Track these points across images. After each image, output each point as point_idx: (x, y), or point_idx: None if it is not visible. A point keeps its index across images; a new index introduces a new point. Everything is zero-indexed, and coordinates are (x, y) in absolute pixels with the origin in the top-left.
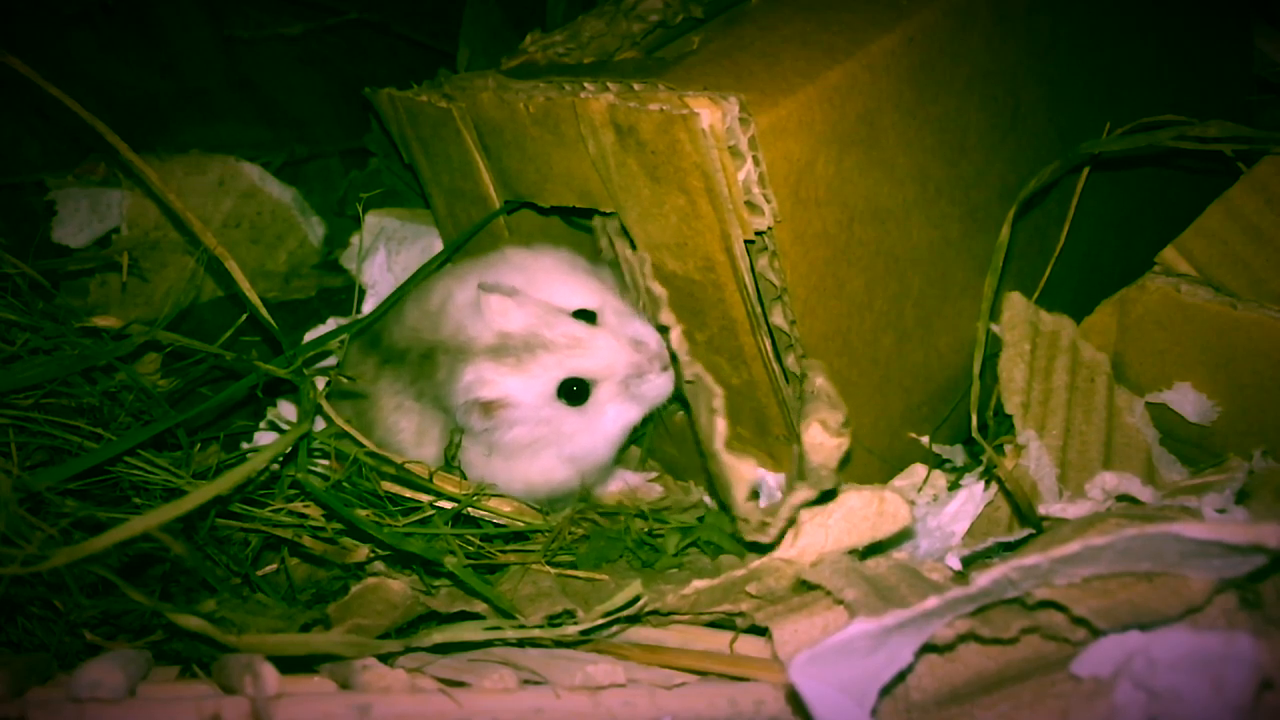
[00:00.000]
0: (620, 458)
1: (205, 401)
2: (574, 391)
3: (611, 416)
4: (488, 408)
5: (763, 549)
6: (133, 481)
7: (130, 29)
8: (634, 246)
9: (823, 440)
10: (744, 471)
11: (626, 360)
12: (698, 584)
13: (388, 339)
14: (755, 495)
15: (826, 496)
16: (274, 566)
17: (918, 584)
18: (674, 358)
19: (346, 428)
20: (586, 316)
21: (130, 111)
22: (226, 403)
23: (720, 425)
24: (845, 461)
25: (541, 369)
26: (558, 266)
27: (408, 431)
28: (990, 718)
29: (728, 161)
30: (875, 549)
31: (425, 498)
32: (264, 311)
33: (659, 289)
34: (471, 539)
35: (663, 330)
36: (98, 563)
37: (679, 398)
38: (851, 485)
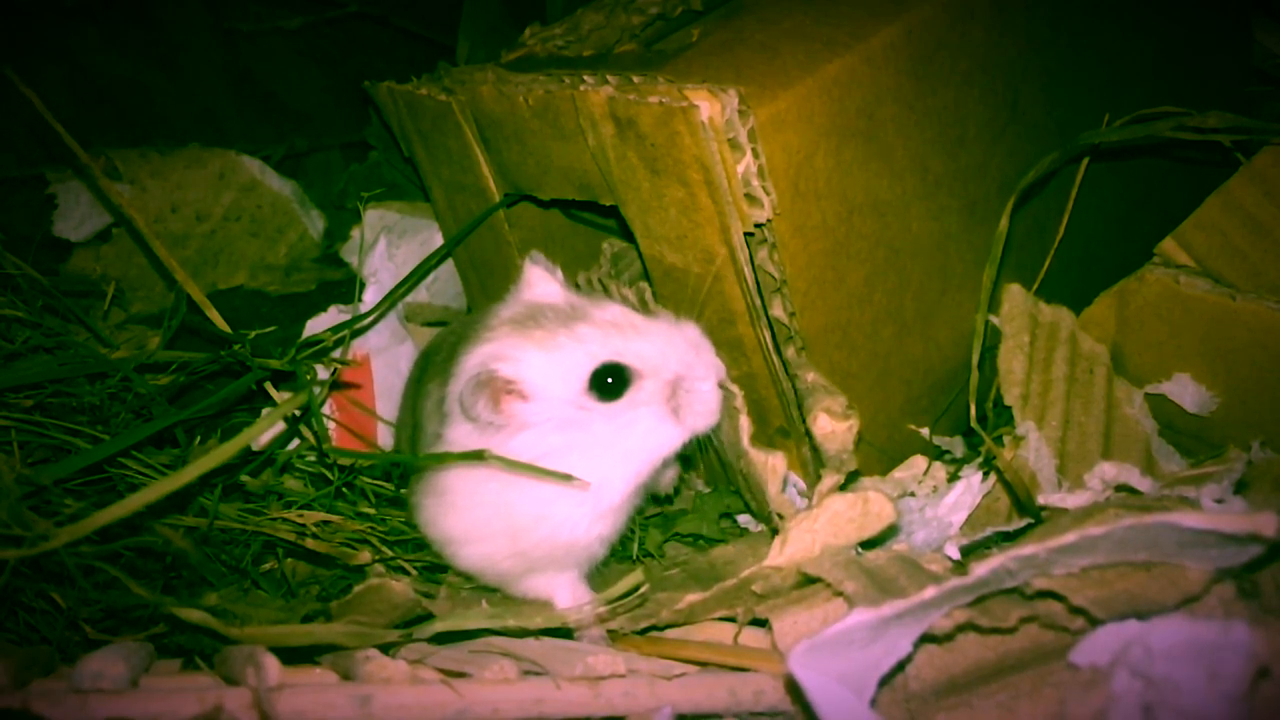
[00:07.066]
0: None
1: (208, 396)
2: (609, 384)
3: (645, 430)
4: (498, 391)
5: None
6: (131, 483)
7: (130, 22)
8: (634, 239)
9: (833, 427)
10: (775, 465)
11: (680, 357)
12: (691, 598)
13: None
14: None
15: (852, 478)
16: (272, 565)
17: (916, 575)
18: None
19: (336, 419)
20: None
21: (130, 105)
22: (227, 399)
23: (745, 423)
24: (859, 441)
25: (576, 343)
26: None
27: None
28: (988, 707)
29: (727, 154)
30: (865, 546)
31: None
32: (222, 322)
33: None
34: None
35: None
36: (99, 552)
37: None
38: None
